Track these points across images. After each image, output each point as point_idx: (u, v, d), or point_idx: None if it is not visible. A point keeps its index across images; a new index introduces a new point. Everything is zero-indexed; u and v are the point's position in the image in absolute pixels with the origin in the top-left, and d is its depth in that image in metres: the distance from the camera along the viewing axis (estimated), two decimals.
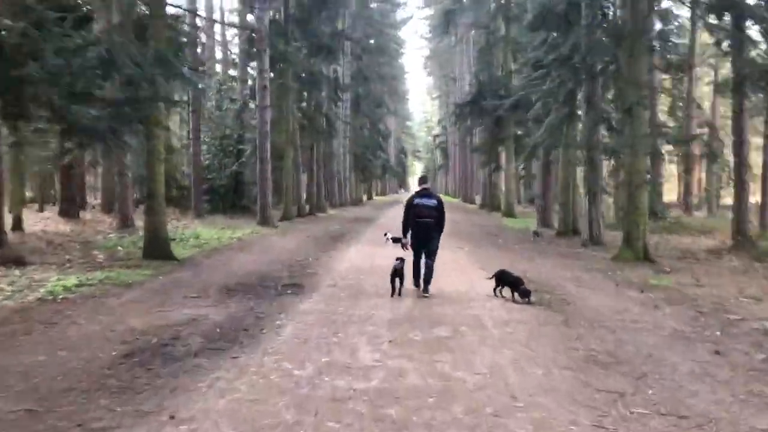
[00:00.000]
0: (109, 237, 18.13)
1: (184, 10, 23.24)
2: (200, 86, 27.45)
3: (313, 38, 27.49)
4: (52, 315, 7.83)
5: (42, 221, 22.55)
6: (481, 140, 40.05)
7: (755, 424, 4.49)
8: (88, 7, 13.35)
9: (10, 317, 7.64)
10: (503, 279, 9.39)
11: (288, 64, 25.49)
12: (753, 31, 16.83)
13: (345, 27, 36.81)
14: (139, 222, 18.27)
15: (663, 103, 35.50)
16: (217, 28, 43.39)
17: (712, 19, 15.58)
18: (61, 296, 9.07)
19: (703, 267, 13.61)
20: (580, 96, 16.80)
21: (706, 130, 28.14)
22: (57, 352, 6.13)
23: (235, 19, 38.66)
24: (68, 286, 9.76)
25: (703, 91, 42.82)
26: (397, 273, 9.30)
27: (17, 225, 18.43)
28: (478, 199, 51.16)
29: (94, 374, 5.48)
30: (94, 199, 35.44)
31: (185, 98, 26.80)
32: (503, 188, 37.23)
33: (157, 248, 13.49)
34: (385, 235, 15.48)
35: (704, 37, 35.41)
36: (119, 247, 15.58)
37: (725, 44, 15.84)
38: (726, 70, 39.65)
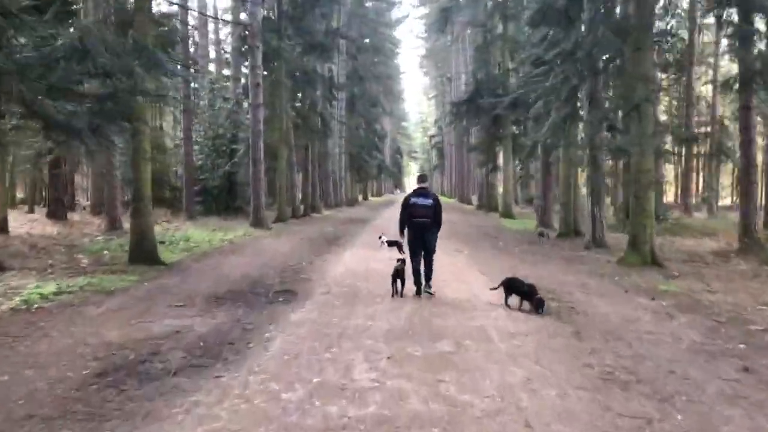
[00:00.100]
0: (96, 240, 17.54)
1: (175, 3, 22.58)
2: (190, 81, 27.01)
3: (307, 35, 26.92)
4: (24, 327, 7.26)
5: (29, 223, 21.94)
6: (478, 139, 39.55)
7: None
8: None
9: None
10: (513, 287, 8.81)
11: (281, 61, 24.90)
12: (759, 25, 16.34)
13: (340, 25, 36.27)
14: (128, 224, 17.66)
15: (660, 102, 35.01)
16: (211, 27, 42.83)
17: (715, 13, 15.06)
18: (36, 305, 8.49)
19: (711, 271, 13.11)
20: (582, 94, 16.26)
21: (706, 129, 27.71)
22: (22, 371, 5.57)
23: (229, 17, 37.98)
24: (45, 294, 9.18)
25: (701, 90, 42.34)
26: (399, 274, 9.26)
27: (2, 227, 17.82)
28: (474, 199, 50.67)
29: (59, 398, 4.94)
30: (85, 200, 34.81)
31: (177, 97, 26.21)
32: (500, 188, 36.74)
33: (144, 252, 12.92)
34: (380, 237, 14.93)
35: (703, 36, 35.23)
36: (105, 251, 15.00)
37: (723, 41, 15.29)
38: (725, 68, 39.36)
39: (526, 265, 13.61)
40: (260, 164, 22.76)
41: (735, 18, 15.06)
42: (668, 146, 26.63)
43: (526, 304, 8.55)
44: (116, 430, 4.29)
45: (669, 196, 46.94)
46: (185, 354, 6.28)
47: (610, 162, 24.16)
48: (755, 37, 13.63)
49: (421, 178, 10.25)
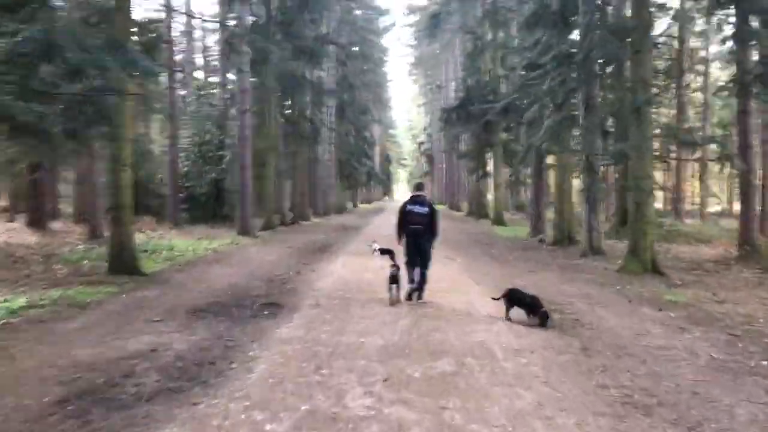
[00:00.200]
0: (76, 249, 16.88)
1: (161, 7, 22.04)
2: (175, 86, 26.39)
3: (296, 40, 26.39)
4: None
5: (7, 232, 21.20)
6: (468, 146, 39.15)
7: None
8: None
9: None
10: (515, 299, 8.30)
11: (269, 66, 24.35)
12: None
13: (330, 31, 35.81)
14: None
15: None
16: (198, 34, 42.31)
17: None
18: (3, 321, 7.89)
19: (714, 279, 12.66)
20: (578, 98, 15.83)
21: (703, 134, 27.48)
22: None
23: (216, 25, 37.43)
24: (15, 309, 8.57)
25: (693, 96, 42.12)
26: (394, 279, 9.32)
27: None
28: (464, 206, 50.20)
29: None
30: (69, 208, 33.97)
31: (159, 104, 25.66)
32: (490, 195, 36.31)
33: (124, 262, 12.31)
34: (371, 245, 14.35)
35: (690, 43, 35.03)
36: (85, 261, 14.37)
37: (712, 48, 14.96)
38: (714, 74, 39.20)
39: (522, 274, 13.12)
40: (247, 171, 22.16)
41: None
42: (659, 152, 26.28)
43: (527, 315, 8.06)
44: None
45: (657, 203, 46.68)
46: (160, 376, 5.72)
47: (602, 168, 23.78)
48: (754, 40, 13.21)
49: (418, 187, 10.56)
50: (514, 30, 30.95)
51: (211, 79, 39.28)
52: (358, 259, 15.13)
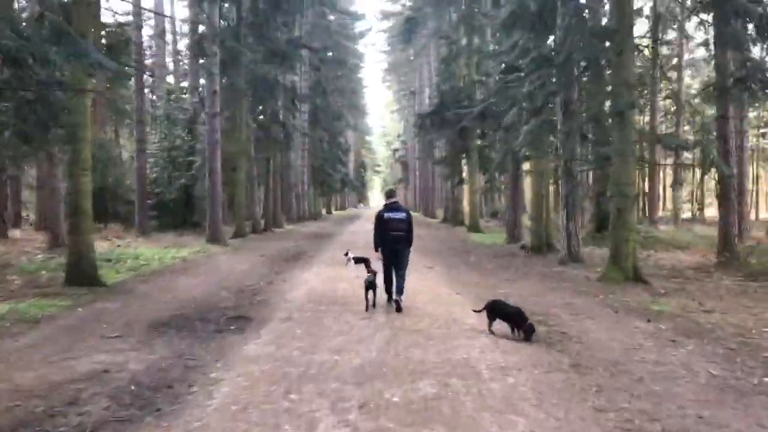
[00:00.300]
0: (35, 258, 16.07)
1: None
2: (143, 89, 25.50)
3: (268, 42, 25.80)
4: None
5: None
6: (444, 152, 38.82)
7: None
8: None
9: None
10: (497, 311, 7.80)
11: (240, 68, 23.70)
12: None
13: (303, 35, 35.23)
14: None
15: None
16: (169, 38, 41.40)
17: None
18: None
19: (696, 287, 12.33)
20: (557, 101, 15.48)
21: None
22: None
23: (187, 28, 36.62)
24: None
25: (662, 104, 42.38)
26: (371, 285, 9.29)
27: None
28: (439, 213, 49.87)
29: None
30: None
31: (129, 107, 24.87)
32: (465, 202, 35.97)
33: (83, 273, 11.62)
34: (346, 254, 13.83)
35: (664, 51, 35.19)
36: (43, 271, 13.61)
37: (700, 48, 14.76)
38: (687, 80, 39.47)
39: (502, 283, 12.69)
40: (217, 176, 21.46)
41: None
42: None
43: (511, 330, 7.59)
44: None
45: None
46: (110, 402, 5.13)
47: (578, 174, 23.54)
48: (735, 43, 12.97)
49: (390, 194, 10.37)
50: (489, 36, 30.73)
51: (184, 84, 38.41)
52: (332, 268, 14.58)
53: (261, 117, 30.67)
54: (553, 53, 13.62)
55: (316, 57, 41.08)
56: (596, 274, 13.56)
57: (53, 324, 8.32)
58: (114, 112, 30.62)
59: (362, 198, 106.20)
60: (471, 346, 7.00)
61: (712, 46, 15.35)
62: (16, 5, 10.78)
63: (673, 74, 37.45)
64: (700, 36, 35.71)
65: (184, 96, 32.12)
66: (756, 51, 14.16)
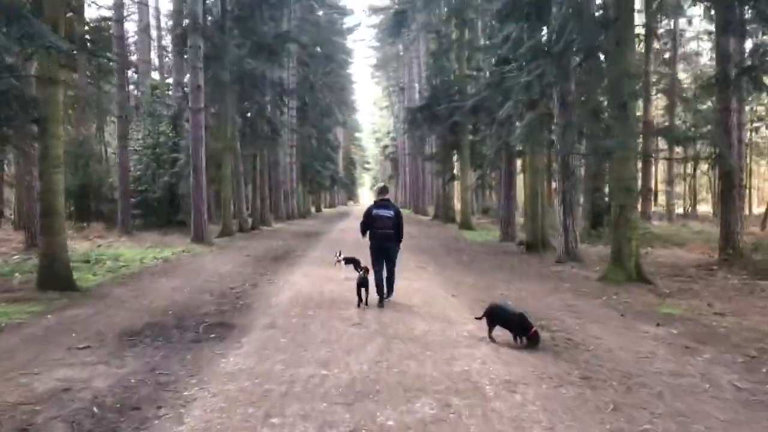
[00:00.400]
0: (10, 260, 15.36)
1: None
2: (124, 85, 24.68)
3: (254, 36, 25.09)
4: None
5: None
6: (435, 148, 38.27)
7: None
8: None
9: None
10: (497, 318, 7.20)
11: (225, 62, 22.98)
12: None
13: (290, 28, 34.53)
14: None
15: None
16: (154, 34, 40.55)
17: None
18: None
19: (702, 287, 11.83)
20: (554, 95, 14.93)
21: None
22: None
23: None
24: None
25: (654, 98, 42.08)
26: (363, 283, 9.30)
27: None
28: (430, 210, 49.33)
29: None
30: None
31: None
32: (457, 199, 35.48)
33: (56, 276, 10.92)
34: (336, 255, 13.22)
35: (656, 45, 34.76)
36: (16, 274, 12.91)
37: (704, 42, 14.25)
38: (682, 73, 39.12)
39: (498, 283, 12.14)
40: (201, 173, 20.73)
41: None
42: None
43: (513, 338, 7.02)
44: None
45: None
46: (67, 428, 4.52)
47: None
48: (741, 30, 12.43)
49: (382, 190, 10.30)
50: (480, 29, 30.19)
51: (169, 81, 37.58)
52: (321, 269, 13.96)
53: (248, 114, 29.96)
54: (551, 41, 13.01)
55: (305, 52, 40.37)
56: (596, 274, 13.06)
57: (18, 333, 7.66)
58: (92, 107, 29.74)
59: (352, 195, 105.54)
60: (471, 356, 6.41)
61: (711, 35, 14.72)
62: None
63: (664, 68, 37.13)
64: (692, 29, 35.60)
65: (169, 92, 31.35)
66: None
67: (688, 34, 37.63)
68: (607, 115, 13.42)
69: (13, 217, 28.84)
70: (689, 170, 41.49)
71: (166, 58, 43.49)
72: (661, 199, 42.83)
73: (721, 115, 14.92)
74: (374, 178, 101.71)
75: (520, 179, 27.50)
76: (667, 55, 37.03)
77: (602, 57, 13.91)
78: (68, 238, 18.83)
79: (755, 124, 39.21)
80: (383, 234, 9.65)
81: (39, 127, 10.26)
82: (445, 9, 34.74)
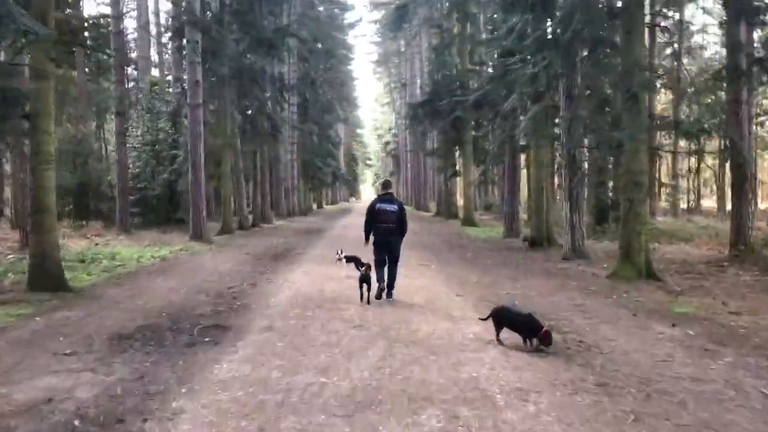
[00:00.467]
0: (5, 259, 15.05)
1: None
2: (123, 81, 24.30)
3: (253, 30, 24.70)
4: None
5: None
6: (437, 144, 37.88)
7: None
8: None
9: None
10: (504, 319, 6.84)
11: (224, 57, 22.60)
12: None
13: (290, 23, 34.14)
14: None
15: None
16: (153, 30, 40.17)
17: None
18: None
19: (714, 284, 11.47)
20: (560, 87, 14.55)
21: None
22: None
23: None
24: None
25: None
26: (365, 279, 9.32)
27: None
28: (432, 206, 48.96)
29: None
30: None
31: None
32: (459, 195, 35.11)
33: (47, 276, 10.59)
34: (338, 253, 12.88)
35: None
36: (10, 273, 12.60)
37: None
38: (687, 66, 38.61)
39: (504, 281, 11.79)
40: (200, 170, 20.38)
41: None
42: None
43: (523, 341, 6.66)
44: None
45: None
46: None
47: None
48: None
49: (385, 185, 10.38)
50: (482, 23, 29.77)
51: (169, 78, 37.23)
52: (321, 267, 13.63)
53: (248, 111, 29.58)
54: (557, 32, 12.62)
55: (305, 47, 40.00)
56: (604, 271, 12.72)
57: (3, 338, 7.32)
58: (91, 103, 29.41)
59: (354, 192, 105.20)
60: (479, 360, 6.06)
61: (722, 25, 14.31)
62: None
63: (668, 62, 36.68)
64: (698, 22, 35.15)
65: (170, 90, 30.99)
66: None
67: (692, 28, 37.23)
68: (615, 108, 13.01)
69: (11, 215, 28.54)
70: (693, 164, 41.09)
71: (166, 55, 43.15)
72: (665, 194, 42.49)
73: (731, 106, 14.54)
74: (376, 174, 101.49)
75: (523, 175, 27.20)
76: (668, 51, 36.58)
77: (609, 49, 13.54)
78: (66, 236, 18.74)
79: (761, 118, 38.76)
80: (386, 228, 9.67)
81: (29, 122, 9.91)
82: (447, 3, 34.38)
